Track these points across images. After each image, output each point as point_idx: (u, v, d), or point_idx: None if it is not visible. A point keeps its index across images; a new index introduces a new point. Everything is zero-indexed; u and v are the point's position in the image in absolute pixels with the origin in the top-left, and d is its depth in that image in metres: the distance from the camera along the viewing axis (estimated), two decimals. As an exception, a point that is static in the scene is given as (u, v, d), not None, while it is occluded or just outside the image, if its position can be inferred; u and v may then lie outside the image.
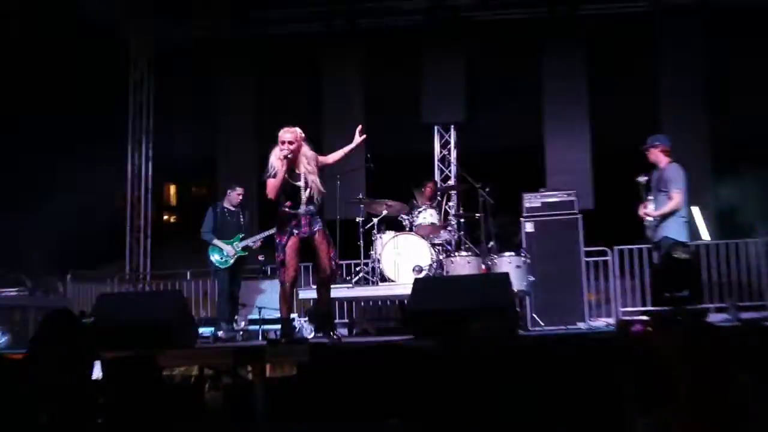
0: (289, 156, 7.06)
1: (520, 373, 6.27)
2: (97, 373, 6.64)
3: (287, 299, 7.34)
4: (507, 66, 12.73)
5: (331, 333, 7.43)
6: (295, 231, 7.18)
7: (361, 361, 6.60)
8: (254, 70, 13.69)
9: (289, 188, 7.15)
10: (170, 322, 7.42)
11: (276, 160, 7.08)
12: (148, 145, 14.10)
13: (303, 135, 7.21)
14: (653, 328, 7.43)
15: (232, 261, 10.01)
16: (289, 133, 7.09)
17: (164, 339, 7.30)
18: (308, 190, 7.17)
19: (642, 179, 8.11)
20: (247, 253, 10.18)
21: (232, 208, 10.17)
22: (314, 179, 7.18)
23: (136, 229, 13.88)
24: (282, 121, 7.38)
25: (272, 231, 10.10)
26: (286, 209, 7.19)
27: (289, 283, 7.26)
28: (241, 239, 10.06)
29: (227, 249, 9.98)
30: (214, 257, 10.02)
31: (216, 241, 9.99)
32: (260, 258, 11.47)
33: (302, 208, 7.18)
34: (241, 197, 10.21)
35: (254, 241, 10.09)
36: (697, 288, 8.05)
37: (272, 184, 7.08)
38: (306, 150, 7.23)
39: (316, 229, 7.22)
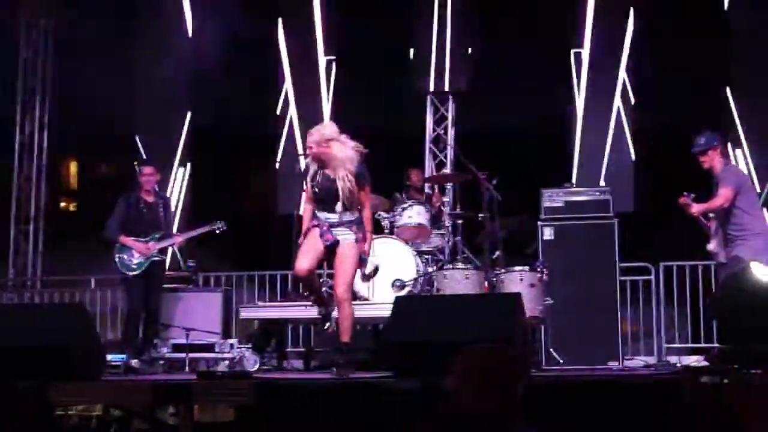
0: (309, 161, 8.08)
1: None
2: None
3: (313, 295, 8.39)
4: (525, 18, 12.84)
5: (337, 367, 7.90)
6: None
7: (321, 403, 6.69)
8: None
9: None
10: (68, 346, 7.43)
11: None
12: (43, 107, 14.10)
13: (328, 137, 7.96)
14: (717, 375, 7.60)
15: (145, 265, 10.02)
16: (311, 136, 8.05)
17: (59, 368, 7.31)
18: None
19: (686, 200, 8.47)
20: (163, 258, 10.25)
21: (150, 199, 10.22)
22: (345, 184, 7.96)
23: (23, 220, 13.89)
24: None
25: (206, 228, 10.22)
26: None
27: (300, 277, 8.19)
28: (160, 238, 10.10)
29: (139, 248, 10.01)
30: (121, 260, 10.05)
31: (123, 239, 10.01)
32: (190, 264, 11.54)
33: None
34: (152, 179, 10.22)
35: (176, 241, 10.18)
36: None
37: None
38: (339, 149, 7.98)
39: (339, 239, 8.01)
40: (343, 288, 7.94)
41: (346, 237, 7.96)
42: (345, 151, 7.96)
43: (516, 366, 3.50)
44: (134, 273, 10.01)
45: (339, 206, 7.98)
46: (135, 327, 10.07)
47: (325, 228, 7.96)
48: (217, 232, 10.42)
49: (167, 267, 10.74)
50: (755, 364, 7.06)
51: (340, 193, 7.93)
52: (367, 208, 8.14)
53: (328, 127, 8.11)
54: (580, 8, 12.95)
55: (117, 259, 10.05)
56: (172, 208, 10.57)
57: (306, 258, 7.98)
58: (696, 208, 8.62)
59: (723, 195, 8.48)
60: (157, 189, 10.36)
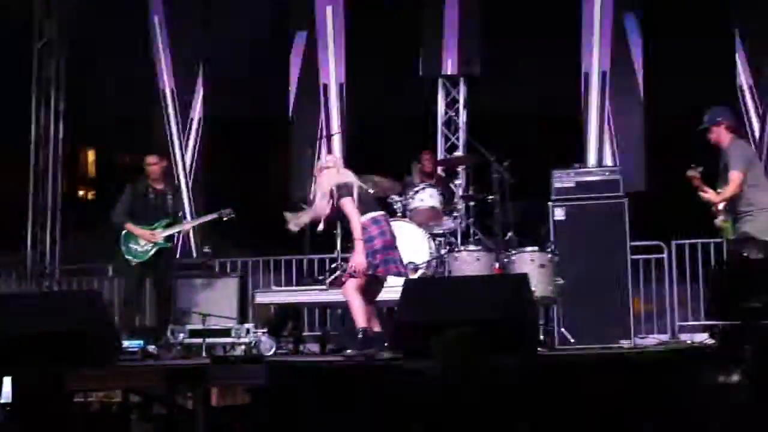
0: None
1: (539, 406, 6.45)
2: (5, 394, 6.83)
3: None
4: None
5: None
6: None
7: (334, 385, 6.78)
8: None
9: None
10: (84, 332, 7.53)
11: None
12: (58, 96, 14.17)
13: (321, 166, 8.64)
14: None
15: (151, 252, 10.07)
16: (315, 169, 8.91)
17: (76, 354, 7.44)
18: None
19: (693, 173, 8.47)
20: (170, 245, 10.27)
21: (159, 186, 10.27)
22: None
23: (40, 209, 13.99)
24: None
25: (213, 216, 10.26)
26: None
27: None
28: (167, 225, 10.16)
29: (145, 236, 10.04)
30: (128, 247, 10.12)
31: (130, 226, 10.07)
32: (206, 250, 11.63)
33: None
34: (156, 168, 10.24)
35: (183, 228, 10.26)
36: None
37: None
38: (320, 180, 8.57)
39: None
40: (349, 284, 8.25)
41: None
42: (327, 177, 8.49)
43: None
44: (138, 260, 10.07)
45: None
46: (128, 317, 10.14)
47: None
48: (225, 219, 10.46)
49: (180, 253, 10.78)
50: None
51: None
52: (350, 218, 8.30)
53: (329, 159, 8.98)
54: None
55: (123, 246, 10.11)
56: (184, 193, 10.56)
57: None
58: (716, 199, 8.62)
59: (735, 180, 8.49)
60: (165, 176, 10.40)
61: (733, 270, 8.14)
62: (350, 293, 8.21)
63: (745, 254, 8.17)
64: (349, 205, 8.23)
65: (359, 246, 8.12)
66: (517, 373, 3.24)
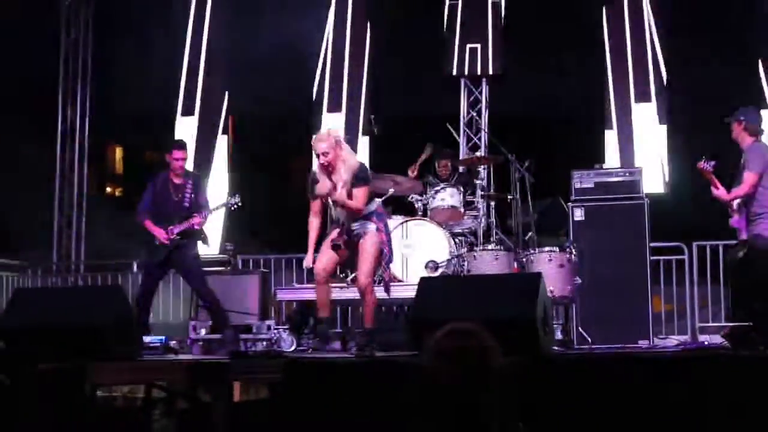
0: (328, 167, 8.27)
1: (549, 405, 6.53)
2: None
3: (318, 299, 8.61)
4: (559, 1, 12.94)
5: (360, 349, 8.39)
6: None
7: (349, 380, 6.88)
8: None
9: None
10: (107, 327, 7.68)
11: (319, 172, 8.37)
12: (85, 94, 14.33)
13: (338, 139, 8.31)
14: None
15: (167, 251, 9.81)
16: (321, 143, 8.26)
17: (99, 348, 7.57)
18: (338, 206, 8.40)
19: (704, 165, 8.50)
20: (187, 241, 9.91)
21: (177, 181, 10.01)
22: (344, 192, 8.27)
23: (67, 205, 14.15)
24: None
25: (221, 205, 10.22)
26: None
27: (318, 281, 8.50)
28: (180, 221, 9.85)
29: (160, 234, 9.80)
30: (149, 245, 9.91)
31: (148, 224, 9.85)
32: (228, 247, 11.71)
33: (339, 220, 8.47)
34: (180, 163, 9.98)
35: (195, 222, 9.90)
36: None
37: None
38: (346, 156, 8.36)
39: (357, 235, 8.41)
40: (364, 276, 8.33)
41: (365, 228, 8.35)
42: (351, 159, 8.42)
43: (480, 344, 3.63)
44: (158, 259, 9.84)
45: (342, 211, 8.39)
46: (144, 309, 9.91)
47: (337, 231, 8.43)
48: (232, 208, 10.34)
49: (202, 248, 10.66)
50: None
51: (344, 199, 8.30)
52: (357, 204, 8.33)
53: (334, 131, 8.50)
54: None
55: (145, 243, 9.96)
56: (206, 187, 10.39)
57: (319, 264, 8.47)
58: (725, 197, 8.65)
59: (748, 181, 8.51)
60: (186, 169, 10.18)
61: (742, 271, 8.21)
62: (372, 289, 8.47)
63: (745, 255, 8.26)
64: (364, 194, 8.35)
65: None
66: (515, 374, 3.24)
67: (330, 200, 8.37)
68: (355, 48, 13.60)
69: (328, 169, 8.28)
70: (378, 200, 8.93)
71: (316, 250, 8.65)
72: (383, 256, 8.50)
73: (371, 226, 8.38)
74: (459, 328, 3.62)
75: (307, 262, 8.67)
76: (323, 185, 8.30)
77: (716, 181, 8.61)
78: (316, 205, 8.55)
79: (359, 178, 8.31)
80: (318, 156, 8.32)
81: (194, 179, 10.18)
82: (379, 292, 8.84)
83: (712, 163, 8.53)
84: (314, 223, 8.60)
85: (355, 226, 8.37)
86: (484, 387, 3.23)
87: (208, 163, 13.64)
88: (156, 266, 9.93)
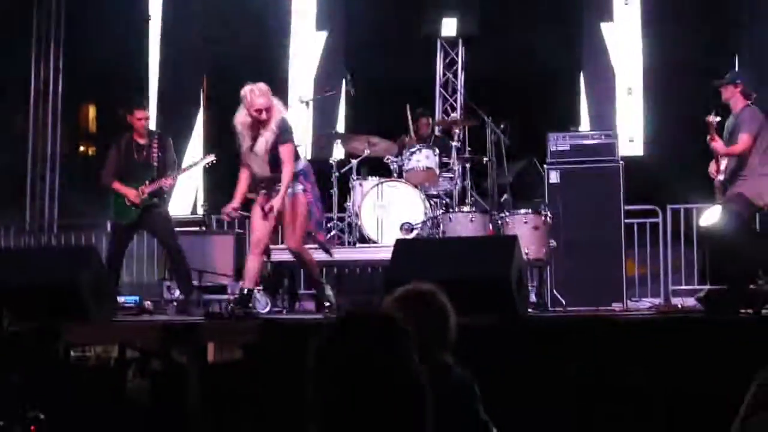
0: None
1: (522, 366, 6.58)
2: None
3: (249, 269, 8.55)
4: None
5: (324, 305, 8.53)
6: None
7: (320, 341, 6.87)
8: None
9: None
10: (81, 287, 7.69)
11: (243, 127, 8.25)
12: (58, 50, 14.21)
13: (270, 96, 8.20)
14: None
15: (135, 213, 9.75)
16: (261, 98, 8.09)
17: (72, 308, 7.58)
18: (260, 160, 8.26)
19: (713, 119, 8.49)
20: (156, 200, 9.85)
21: (141, 141, 9.91)
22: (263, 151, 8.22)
23: (40, 163, 14.07)
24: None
25: (196, 163, 10.14)
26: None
27: (254, 252, 8.43)
28: (151, 181, 9.78)
29: (130, 194, 9.73)
30: (118, 206, 9.84)
31: (116, 185, 9.77)
32: (202, 206, 11.70)
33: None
34: (143, 122, 9.90)
35: (166, 182, 9.83)
36: (752, 262, 8.39)
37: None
38: (278, 110, 8.28)
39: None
40: (294, 241, 8.42)
41: (292, 189, 8.31)
42: (282, 109, 8.36)
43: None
44: (129, 221, 9.81)
45: (263, 166, 8.34)
46: (115, 271, 9.79)
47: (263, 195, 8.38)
48: (207, 166, 10.31)
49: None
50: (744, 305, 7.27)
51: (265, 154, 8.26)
52: (288, 164, 8.27)
53: (266, 88, 8.25)
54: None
55: (114, 207, 9.88)
56: (171, 146, 10.24)
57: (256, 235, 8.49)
58: (722, 150, 8.62)
59: (743, 141, 8.50)
60: (150, 129, 10.13)
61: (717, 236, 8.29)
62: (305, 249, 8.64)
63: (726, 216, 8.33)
64: (291, 151, 8.31)
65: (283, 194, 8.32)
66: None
67: (249, 158, 8.32)
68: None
69: (259, 125, 8.20)
70: (303, 159, 8.91)
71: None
72: (311, 217, 8.50)
73: (298, 187, 8.34)
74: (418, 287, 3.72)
75: (226, 208, 8.66)
76: (245, 140, 8.29)
77: (716, 135, 8.59)
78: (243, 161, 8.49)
79: (286, 133, 8.27)
80: (253, 111, 8.18)
81: (159, 138, 10.07)
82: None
83: (718, 119, 8.55)
84: (243, 174, 8.52)
85: (278, 187, 8.28)
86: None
87: (189, 125, 13.64)
88: (126, 228, 9.89)
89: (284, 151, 8.19)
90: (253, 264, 8.49)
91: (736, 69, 8.94)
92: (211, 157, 10.22)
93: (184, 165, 10.45)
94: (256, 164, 8.33)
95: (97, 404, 7.61)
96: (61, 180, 14.13)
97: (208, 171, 10.57)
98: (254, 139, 8.21)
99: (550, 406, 6.51)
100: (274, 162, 8.28)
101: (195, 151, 13.29)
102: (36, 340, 7.19)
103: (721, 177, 8.66)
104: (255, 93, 8.10)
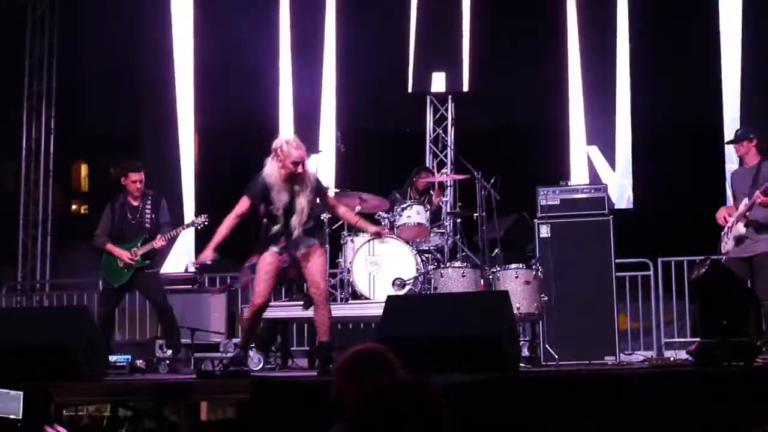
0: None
1: (515, 422, 6.57)
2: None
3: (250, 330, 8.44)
4: (523, 18, 13.02)
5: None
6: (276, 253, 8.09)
7: (318, 400, 6.87)
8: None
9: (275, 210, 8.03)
10: (73, 347, 7.65)
11: (277, 181, 7.90)
12: (50, 111, 14.29)
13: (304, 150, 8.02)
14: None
15: (128, 275, 9.82)
16: (299, 150, 7.87)
17: (65, 368, 7.54)
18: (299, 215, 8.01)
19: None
20: (148, 261, 9.90)
21: (135, 203, 9.99)
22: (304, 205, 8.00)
23: (32, 222, 14.08)
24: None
25: (186, 225, 10.13)
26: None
27: (254, 311, 8.17)
28: (143, 242, 9.85)
29: (123, 256, 9.78)
30: (110, 268, 9.88)
31: (109, 246, 9.83)
32: (193, 264, 11.69)
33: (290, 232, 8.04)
34: (138, 185, 9.92)
35: (157, 244, 9.86)
36: (744, 314, 8.41)
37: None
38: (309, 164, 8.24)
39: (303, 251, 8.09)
40: (323, 289, 8.17)
41: (313, 242, 8.13)
42: (312, 175, 8.25)
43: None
44: (119, 283, 9.86)
45: (300, 220, 7.99)
46: (107, 331, 9.84)
47: (279, 249, 8.05)
48: (199, 228, 10.24)
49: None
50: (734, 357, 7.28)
51: (305, 208, 7.98)
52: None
53: (299, 140, 8.05)
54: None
55: (105, 268, 9.91)
56: (165, 206, 10.26)
57: (260, 296, 8.12)
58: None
59: None
60: (144, 190, 10.04)
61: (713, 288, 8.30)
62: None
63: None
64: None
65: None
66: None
67: (280, 211, 7.99)
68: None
69: (297, 178, 7.92)
70: None
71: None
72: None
73: (316, 242, 8.21)
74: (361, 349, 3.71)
75: (203, 257, 8.37)
76: (281, 194, 7.94)
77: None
78: (244, 207, 8.10)
79: (322, 181, 8.32)
80: (289, 163, 7.84)
81: (153, 199, 10.10)
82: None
83: None
84: (229, 223, 8.13)
85: (303, 240, 8.07)
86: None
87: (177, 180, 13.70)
88: (117, 288, 9.94)
89: (332, 196, 8.41)
90: (253, 326, 8.37)
91: (747, 126, 9.09)
92: (202, 218, 10.18)
93: (180, 228, 10.42)
94: (294, 219, 8.02)
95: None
96: (53, 239, 14.12)
97: (200, 232, 10.47)
98: (290, 192, 7.98)
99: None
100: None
101: (187, 209, 13.35)
102: (28, 400, 7.16)
103: (743, 230, 8.71)
104: (292, 145, 7.86)
